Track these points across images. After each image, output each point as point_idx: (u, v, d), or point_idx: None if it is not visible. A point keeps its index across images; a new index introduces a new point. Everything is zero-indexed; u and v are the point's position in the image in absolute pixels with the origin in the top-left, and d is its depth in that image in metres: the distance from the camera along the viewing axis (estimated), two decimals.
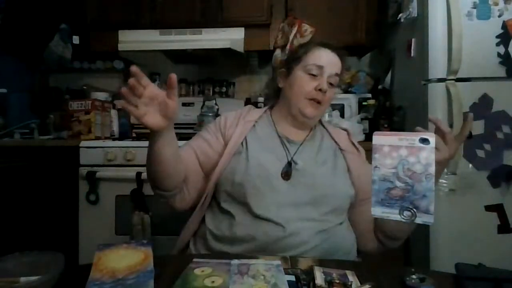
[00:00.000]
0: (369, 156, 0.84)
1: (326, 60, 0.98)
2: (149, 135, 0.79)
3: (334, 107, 2.13)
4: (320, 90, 0.95)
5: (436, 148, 0.74)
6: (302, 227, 0.85)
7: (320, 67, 0.96)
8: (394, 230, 0.91)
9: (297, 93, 0.97)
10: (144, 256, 0.59)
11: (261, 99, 2.35)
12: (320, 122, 1.09)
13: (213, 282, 0.55)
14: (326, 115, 1.91)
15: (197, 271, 0.58)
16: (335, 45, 1.02)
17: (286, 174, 0.92)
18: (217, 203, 0.96)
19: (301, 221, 0.86)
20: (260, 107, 1.40)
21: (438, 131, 0.74)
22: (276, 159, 0.94)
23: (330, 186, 0.91)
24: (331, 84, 0.97)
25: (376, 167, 0.59)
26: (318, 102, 0.96)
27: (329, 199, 0.90)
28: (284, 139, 1.00)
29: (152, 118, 0.72)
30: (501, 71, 1.56)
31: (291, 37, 2.05)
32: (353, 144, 1.04)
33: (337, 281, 0.55)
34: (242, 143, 0.97)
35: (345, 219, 0.96)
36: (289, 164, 0.94)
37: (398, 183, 0.57)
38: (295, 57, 1.02)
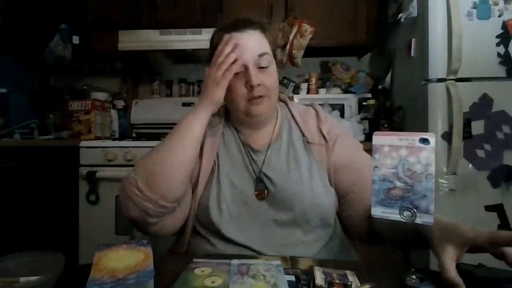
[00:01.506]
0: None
1: (240, 48, 0.79)
2: (200, 110, 0.78)
3: (334, 107, 2.13)
4: (251, 86, 0.80)
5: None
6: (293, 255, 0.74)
7: (236, 62, 0.78)
8: (391, 238, 0.77)
9: (232, 99, 0.83)
10: (144, 256, 0.59)
11: None
12: (286, 104, 0.95)
13: (213, 282, 0.55)
14: None
15: (197, 271, 0.58)
16: (243, 20, 0.85)
17: (260, 192, 0.82)
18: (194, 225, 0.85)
19: (287, 247, 0.76)
20: None
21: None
22: (247, 176, 0.84)
23: (310, 196, 0.80)
24: (262, 67, 0.81)
25: (376, 167, 0.59)
26: (260, 97, 0.82)
27: (311, 212, 0.80)
28: (248, 149, 0.87)
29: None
30: (501, 71, 1.56)
31: (291, 37, 2.06)
32: (321, 132, 0.89)
33: (337, 281, 0.55)
34: (214, 160, 0.85)
35: (334, 227, 0.85)
36: (259, 180, 0.83)
37: (398, 183, 0.57)
38: (210, 59, 0.84)
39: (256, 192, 0.82)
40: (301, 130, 0.90)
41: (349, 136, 0.92)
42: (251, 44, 0.82)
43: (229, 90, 0.81)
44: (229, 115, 0.94)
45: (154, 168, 0.73)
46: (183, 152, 0.75)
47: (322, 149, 0.87)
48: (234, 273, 0.57)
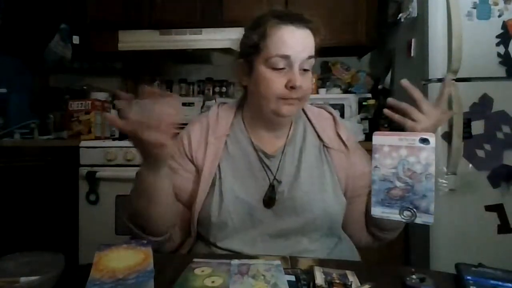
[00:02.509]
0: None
1: (293, 44, 0.75)
2: (147, 166, 0.67)
3: (334, 107, 2.12)
4: (292, 87, 0.75)
5: (414, 120, 0.72)
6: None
7: (287, 57, 0.74)
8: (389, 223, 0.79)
9: (265, 95, 0.77)
10: (144, 256, 0.59)
11: None
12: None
13: (213, 282, 0.55)
14: None
15: (197, 271, 0.58)
16: (300, 15, 0.78)
17: (270, 200, 0.78)
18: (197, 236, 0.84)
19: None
20: None
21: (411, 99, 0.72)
22: (255, 184, 0.80)
23: (321, 205, 0.78)
24: (305, 70, 0.77)
25: (376, 167, 0.59)
26: (295, 98, 0.77)
27: (321, 221, 0.78)
28: (261, 154, 0.83)
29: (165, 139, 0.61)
30: (501, 71, 1.56)
31: None
32: (340, 137, 0.86)
33: (337, 281, 0.55)
34: (215, 172, 0.81)
35: (340, 233, 0.86)
36: (271, 187, 0.80)
37: (398, 183, 0.57)
38: (251, 45, 0.78)
39: (264, 199, 0.79)
40: (318, 134, 0.86)
41: (360, 147, 0.91)
42: (303, 44, 0.76)
43: (264, 84, 0.76)
44: (242, 112, 0.88)
45: (135, 212, 0.74)
46: (158, 200, 0.71)
47: (342, 156, 0.85)
48: (234, 273, 0.57)
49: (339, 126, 0.88)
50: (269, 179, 0.81)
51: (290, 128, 0.87)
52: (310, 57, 0.77)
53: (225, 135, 0.84)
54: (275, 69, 0.75)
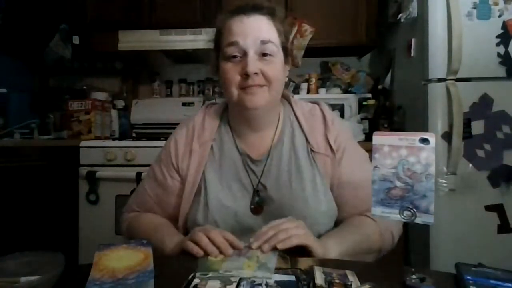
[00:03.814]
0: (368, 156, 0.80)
1: (240, 30, 0.73)
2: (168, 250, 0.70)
3: (334, 107, 2.13)
4: (246, 74, 0.72)
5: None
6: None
7: (235, 44, 0.73)
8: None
9: (227, 87, 0.75)
10: (144, 256, 0.59)
11: None
12: (289, 103, 0.87)
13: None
14: None
15: (211, 258, 0.62)
16: (252, 3, 0.77)
17: (257, 207, 0.76)
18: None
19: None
20: None
21: None
22: (242, 190, 0.78)
23: (313, 213, 0.74)
24: (265, 55, 0.74)
25: (376, 167, 0.59)
26: (257, 86, 0.73)
27: (313, 230, 0.72)
28: (246, 158, 0.80)
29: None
30: (501, 71, 1.56)
31: (291, 37, 2.05)
32: (328, 142, 0.80)
33: (337, 281, 0.55)
34: (200, 180, 0.79)
35: None
36: (256, 193, 0.77)
37: (398, 183, 0.57)
38: (214, 45, 0.81)
39: (252, 206, 0.76)
40: (305, 136, 0.81)
41: (355, 147, 0.85)
42: (254, 29, 0.74)
43: (224, 76, 0.75)
44: (227, 113, 0.86)
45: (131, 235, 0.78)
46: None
47: (328, 160, 0.79)
48: (234, 254, 0.62)
49: (328, 128, 0.81)
50: (252, 184, 0.78)
51: (276, 128, 0.83)
52: (266, 41, 0.74)
53: (211, 140, 0.82)
54: (230, 59, 0.75)
